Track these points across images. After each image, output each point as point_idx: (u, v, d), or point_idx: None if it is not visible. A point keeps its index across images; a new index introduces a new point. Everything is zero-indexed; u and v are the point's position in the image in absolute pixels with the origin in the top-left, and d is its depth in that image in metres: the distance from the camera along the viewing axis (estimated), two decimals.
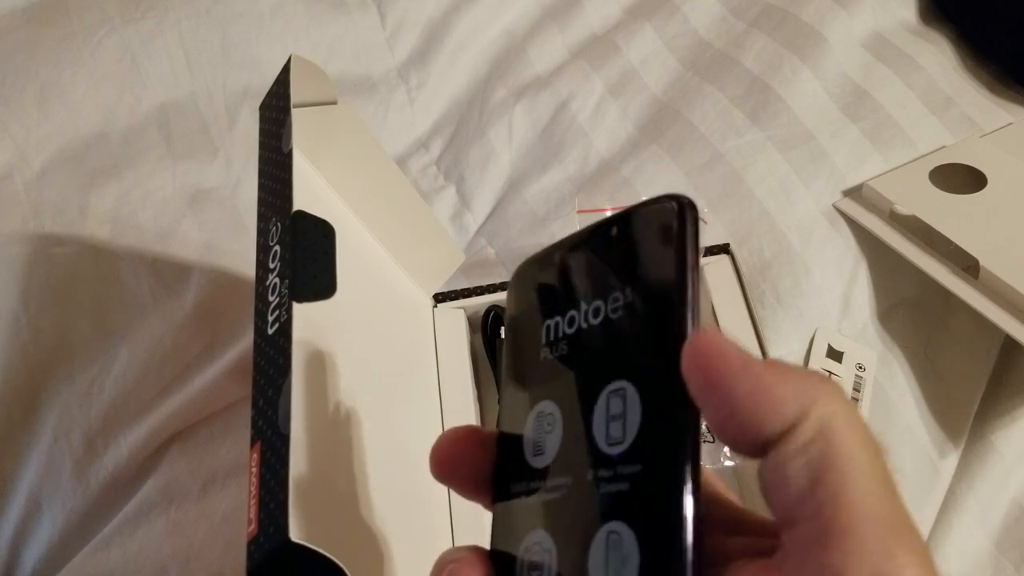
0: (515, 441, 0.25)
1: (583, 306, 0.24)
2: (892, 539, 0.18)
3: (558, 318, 0.25)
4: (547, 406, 0.24)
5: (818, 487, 0.18)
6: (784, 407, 0.19)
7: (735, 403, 0.19)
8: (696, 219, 0.21)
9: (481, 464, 0.25)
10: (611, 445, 0.22)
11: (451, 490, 0.26)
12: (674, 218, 0.21)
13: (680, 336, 0.20)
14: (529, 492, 0.24)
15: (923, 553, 0.18)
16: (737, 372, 0.20)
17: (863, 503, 0.18)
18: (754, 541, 0.21)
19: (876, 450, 0.19)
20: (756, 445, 0.20)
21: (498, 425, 0.26)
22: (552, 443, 0.24)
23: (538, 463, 0.24)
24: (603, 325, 0.23)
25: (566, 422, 0.23)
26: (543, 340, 0.25)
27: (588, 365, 0.23)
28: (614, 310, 0.23)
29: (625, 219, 0.23)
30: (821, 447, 0.19)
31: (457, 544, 0.48)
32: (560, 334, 0.24)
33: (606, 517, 0.21)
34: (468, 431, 0.25)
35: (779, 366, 0.20)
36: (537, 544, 0.23)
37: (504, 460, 0.25)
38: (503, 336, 0.57)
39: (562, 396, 0.24)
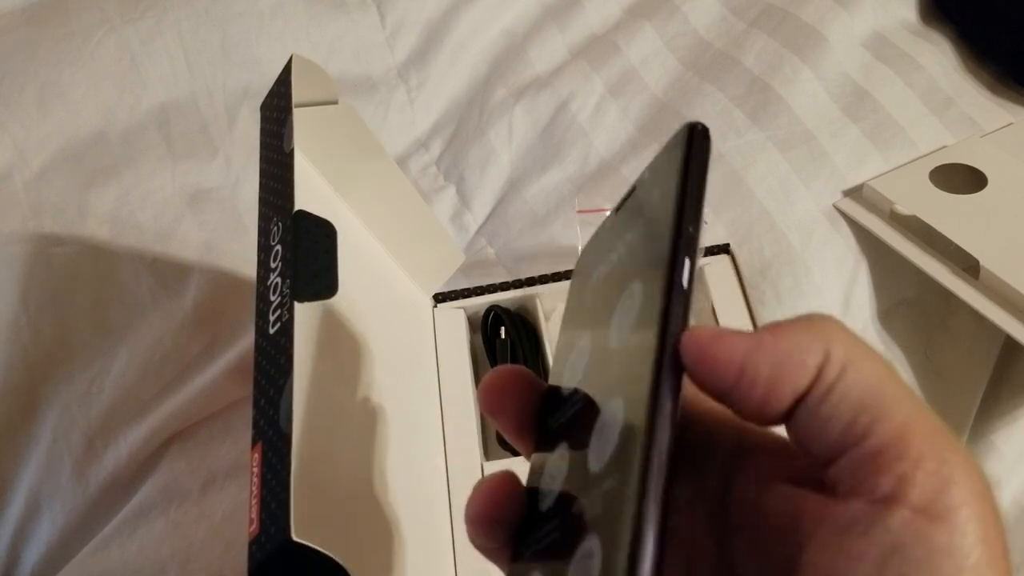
0: (557, 389, 0.25)
1: (619, 245, 0.24)
2: (939, 441, 0.19)
3: (601, 266, 0.25)
4: (582, 342, 0.25)
5: (861, 413, 0.19)
6: (808, 360, 0.20)
7: (764, 380, 0.20)
8: (704, 142, 0.22)
9: (528, 402, 0.25)
10: (620, 338, 0.22)
11: (497, 427, 0.26)
12: (684, 139, 0.22)
13: (676, 236, 0.20)
14: (558, 419, 0.24)
15: (967, 452, 0.19)
16: (751, 351, 0.20)
17: (906, 415, 0.19)
18: (797, 465, 0.22)
19: (890, 368, 0.20)
20: (787, 409, 0.20)
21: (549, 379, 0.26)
22: (580, 369, 0.24)
23: (567, 391, 0.24)
24: (629, 250, 0.23)
25: (593, 344, 0.24)
26: (588, 287, 0.26)
27: (614, 286, 0.24)
28: (635, 235, 0.23)
29: (656, 158, 0.24)
30: (851, 379, 0.19)
31: (456, 544, 0.48)
32: (601, 277, 0.25)
33: (607, 395, 0.21)
34: (522, 370, 0.26)
35: (783, 327, 0.20)
36: (557, 457, 0.23)
37: (547, 409, 0.25)
38: (503, 336, 0.57)
39: (593, 326, 0.24)
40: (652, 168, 0.24)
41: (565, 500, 0.22)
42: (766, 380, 0.20)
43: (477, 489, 0.24)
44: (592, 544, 0.19)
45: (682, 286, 0.20)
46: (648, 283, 0.21)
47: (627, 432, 0.20)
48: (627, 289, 0.22)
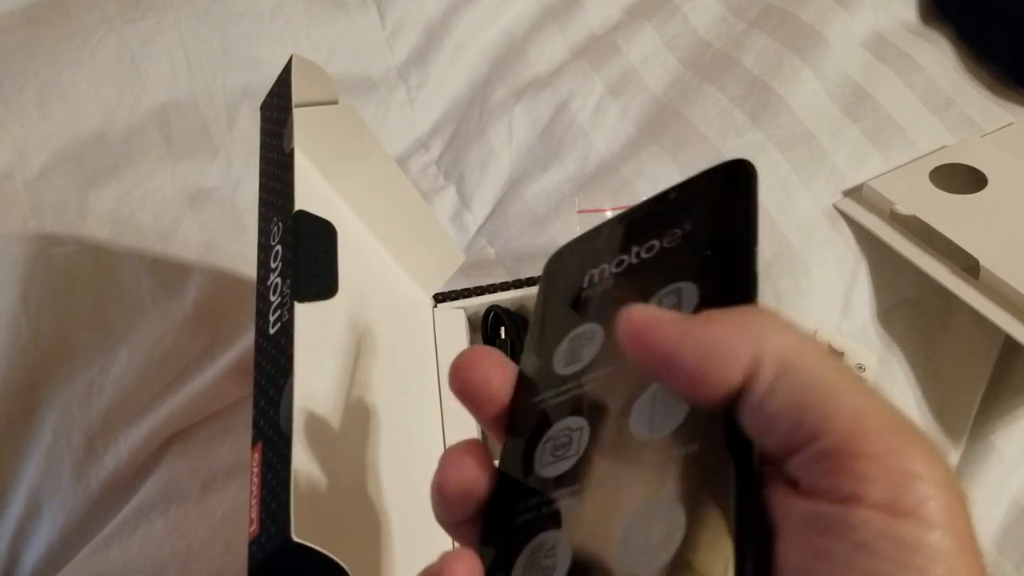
0: (546, 372, 0.25)
1: (634, 248, 0.25)
2: (898, 434, 0.18)
3: (604, 265, 0.26)
4: (586, 328, 0.25)
5: (808, 411, 0.19)
6: (738, 355, 0.19)
7: (690, 370, 0.20)
8: (755, 177, 0.24)
9: (501, 384, 0.25)
10: None
11: (467, 408, 0.25)
12: (742, 172, 0.24)
13: (749, 254, 0.22)
14: (557, 395, 0.24)
15: (929, 442, 0.18)
16: (680, 340, 0.20)
17: (858, 410, 0.18)
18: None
19: (836, 361, 0.20)
20: (723, 399, 0.20)
21: (520, 367, 0.26)
22: (591, 350, 0.24)
23: (571, 370, 0.24)
24: (659, 254, 0.25)
25: (608, 331, 0.24)
26: (584, 284, 0.26)
27: (640, 282, 0.24)
28: (671, 242, 0.24)
29: (686, 184, 0.25)
30: (792, 377, 0.19)
31: (456, 545, 0.48)
32: (606, 275, 0.26)
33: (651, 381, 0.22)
34: (493, 351, 0.25)
35: (715, 318, 0.20)
36: (565, 428, 0.23)
37: (527, 392, 0.25)
38: (503, 336, 0.57)
39: (605, 314, 0.25)
40: (685, 189, 0.25)
41: (591, 468, 0.22)
42: (692, 370, 0.20)
43: (443, 458, 0.23)
44: (671, 509, 0.19)
45: (756, 296, 0.22)
46: (708, 286, 0.23)
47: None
48: (670, 287, 0.23)
